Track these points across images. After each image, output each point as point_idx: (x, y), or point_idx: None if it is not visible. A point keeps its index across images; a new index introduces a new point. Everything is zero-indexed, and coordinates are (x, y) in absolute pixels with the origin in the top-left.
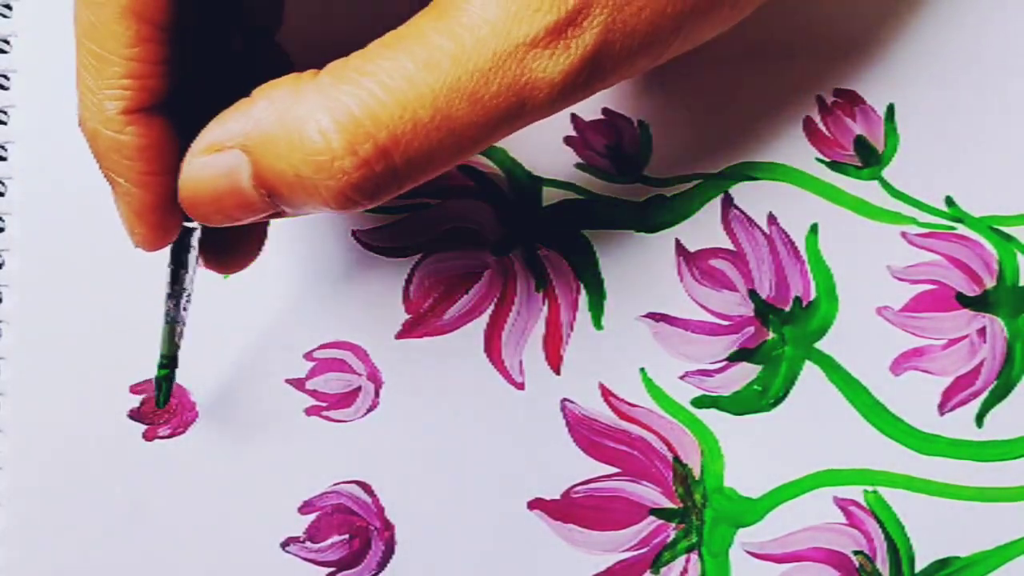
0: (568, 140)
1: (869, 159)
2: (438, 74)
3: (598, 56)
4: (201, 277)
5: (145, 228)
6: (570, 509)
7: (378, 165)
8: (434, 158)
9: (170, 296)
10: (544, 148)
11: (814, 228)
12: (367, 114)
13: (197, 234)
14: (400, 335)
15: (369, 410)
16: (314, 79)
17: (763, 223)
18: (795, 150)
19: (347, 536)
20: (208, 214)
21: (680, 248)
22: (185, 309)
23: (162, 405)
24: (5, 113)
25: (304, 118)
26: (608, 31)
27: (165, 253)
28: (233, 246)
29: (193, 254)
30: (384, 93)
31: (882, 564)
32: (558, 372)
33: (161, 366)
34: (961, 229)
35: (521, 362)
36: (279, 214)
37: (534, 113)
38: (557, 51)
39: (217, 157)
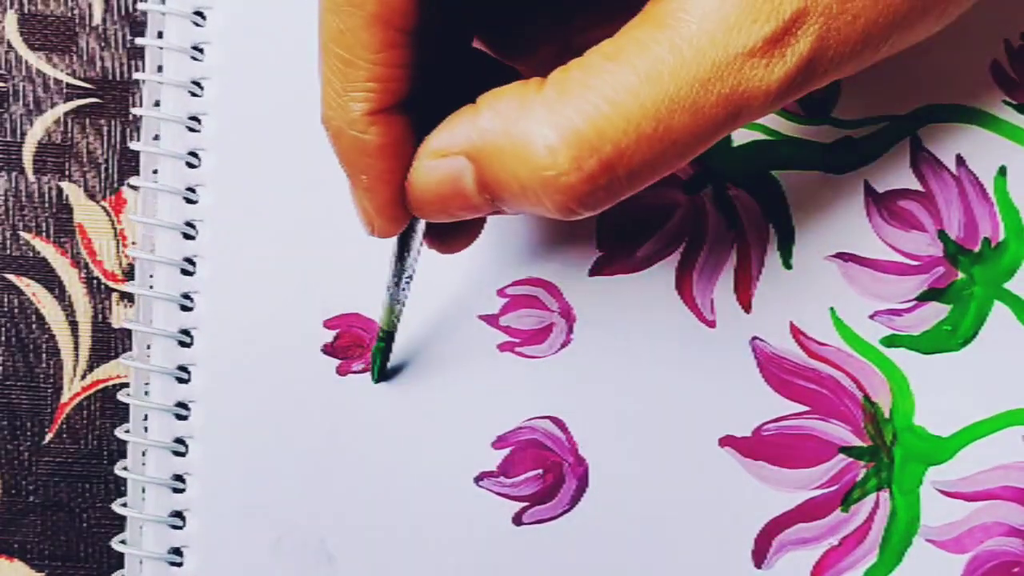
0: None
1: None
2: (660, 87)
3: (812, 64)
4: None
5: (382, 220)
6: (760, 446)
7: (602, 179)
8: (654, 168)
9: (394, 276)
10: None
11: (1002, 170)
12: (593, 129)
13: (423, 222)
14: (593, 272)
15: (562, 346)
16: (539, 92)
17: (951, 165)
18: (982, 93)
19: (540, 471)
20: (433, 213)
21: (869, 189)
22: (406, 289)
23: (376, 378)
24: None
25: (531, 132)
26: (822, 39)
27: None
28: (456, 229)
29: (418, 239)
30: (609, 107)
31: None
32: (748, 311)
33: (379, 339)
34: None
35: (712, 300)
36: (499, 212)
37: (748, 118)
38: (773, 60)
39: (443, 162)
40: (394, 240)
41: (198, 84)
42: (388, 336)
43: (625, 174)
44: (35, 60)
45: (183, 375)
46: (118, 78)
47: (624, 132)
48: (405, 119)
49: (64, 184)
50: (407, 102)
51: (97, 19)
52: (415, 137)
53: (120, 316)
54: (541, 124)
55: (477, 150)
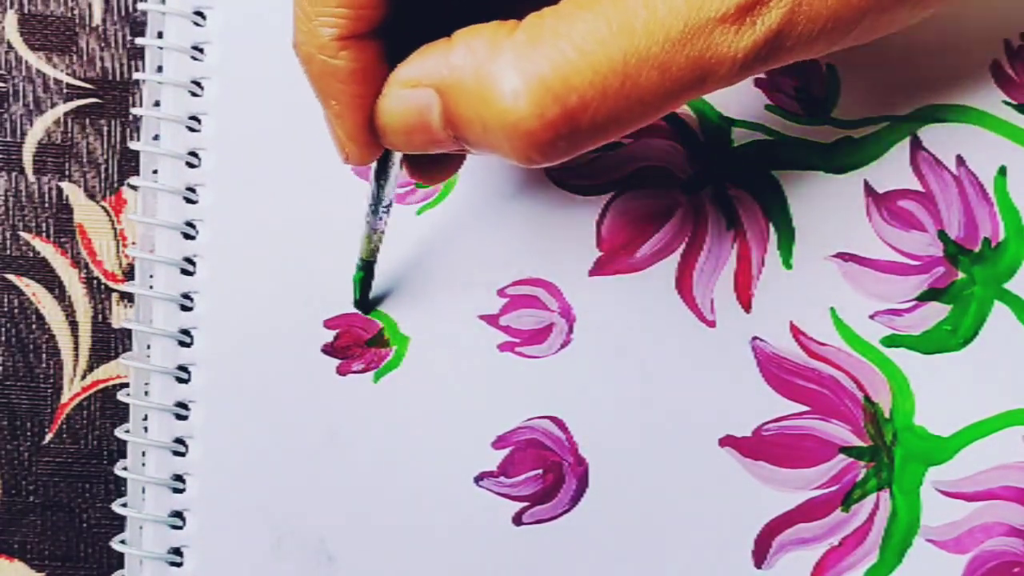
0: (758, 82)
1: None
2: (631, 40)
3: (779, 37)
4: (396, 214)
5: (354, 146)
6: (761, 446)
7: (564, 129)
8: (618, 123)
9: (371, 204)
10: (735, 90)
11: (1002, 170)
12: (559, 78)
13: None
14: (593, 272)
15: (562, 346)
16: (511, 35)
17: (951, 165)
18: (983, 93)
19: (540, 471)
20: (399, 143)
21: (869, 189)
22: (383, 219)
23: (357, 304)
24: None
25: (498, 75)
26: (793, 13)
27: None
28: (433, 160)
29: (395, 169)
30: (577, 56)
31: None
32: (748, 310)
33: (359, 268)
34: None
35: (712, 300)
36: (463, 150)
37: (711, 86)
38: (743, 28)
39: (412, 92)
40: (372, 168)
41: (198, 84)
42: (367, 265)
43: (588, 126)
44: (35, 60)
45: (183, 375)
46: (118, 78)
47: (591, 83)
48: (377, 45)
49: (64, 184)
50: (380, 29)
51: (97, 19)
52: (387, 65)
53: (120, 316)
54: (508, 68)
55: (446, 85)
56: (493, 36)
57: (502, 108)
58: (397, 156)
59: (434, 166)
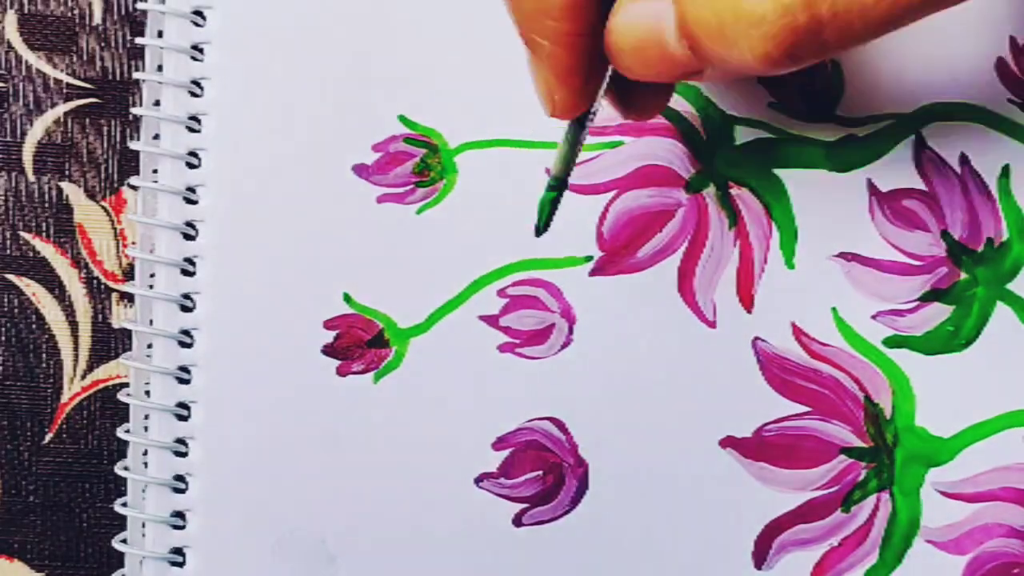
0: (762, 79)
1: None
2: None
3: None
4: (395, 214)
5: (564, 91)
6: (761, 447)
7: (806, 27)
8: (861, 26)
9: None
10: (737, 87)
11: (1006, 170)
12: None
13: (608, 74)
14: (593, 272)
15: (562, 347)
16: None
17: (955, 164)
18: (987, 91)
19: (540, 472)
20: (632, 64)
21: (872, 188)
22: (587, 128)
23: (540, 230)
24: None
25: None
26: None
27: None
28: (642, 90)
29: (601, 88)
30: None
31: None
32: (750, 311)
33: (549, 188)
34: None
35: (713, 300)
36: (697, 76)
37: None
38: None
39: (646, 4)
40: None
41: (198, 84)
42: (561, 184)
43: (831, 27)
44: (35, 60)
45: (184, 375)
46: (118, 78)
47: None
48: None
49: (64, 184)
50: None
51: (97, 19)
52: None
53: (120, 316)
54: None
55: None
56: None
57: (746, 7)
58: (604, 82)
59: (642, 97)
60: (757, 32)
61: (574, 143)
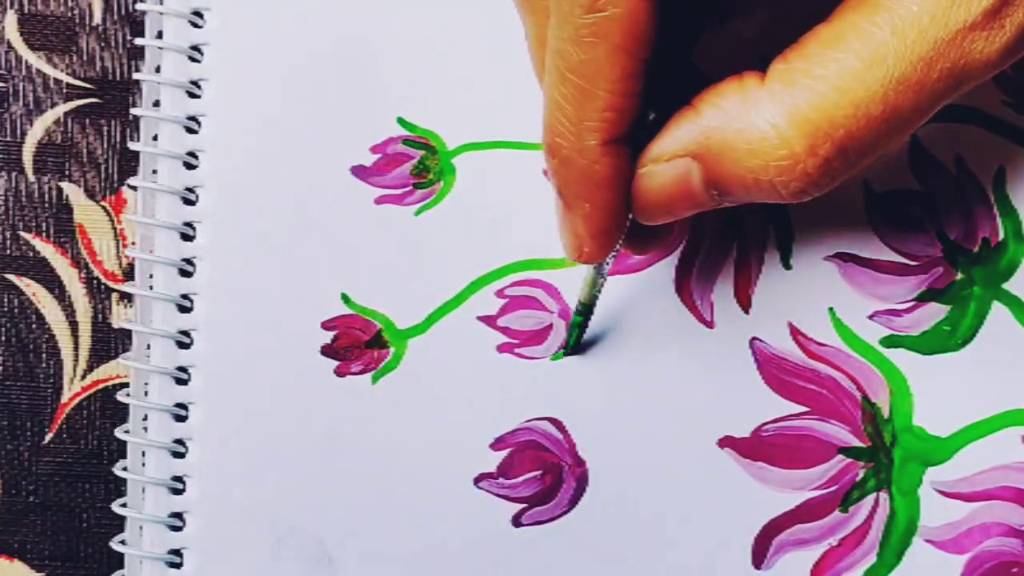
0: None
1: None
2: (885, 70)
3: None
4: (394, 215)
5: (595, 247)
6: (759, 447)
7: (836, 161)
8: (882, 145)
9: None
10: None
11: (1001, 171)
12: (824, 117)
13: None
14: None
15: (561, 347)
16: (763, 86)
17: (950, 166)
18: (982, 94)
19: (539, 472)
20: (659, 216)
21: (868, 189)
22: (609, 262)
23: (570, 351)
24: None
25: (760, 123)
26: None
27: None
28: (652, 232)
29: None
30: (837, 95)
31: None
32: (747, 311)
33: (578, 312)
34: None
35: (711, 301)
36: (720, 205)
37: (968, 87)
38: (993, 32)
39: (668, 166)
40: None
41: (197, 85)
42: (587, 309)
43: (855, 155)
44: (35, 60)
45: (182, 376)
46: (118, 78)
47: (854, 117)
48: (629, 149)
49: (64, 184)
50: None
51: (97, 19)
52: (633, 168)
53: (120, 316)
54: (771, 115)
55: (704, 148)
56: (741, 91)
57: (773, 155)
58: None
59: (653, 238)
60: (793, 175)
61: (598, 274)
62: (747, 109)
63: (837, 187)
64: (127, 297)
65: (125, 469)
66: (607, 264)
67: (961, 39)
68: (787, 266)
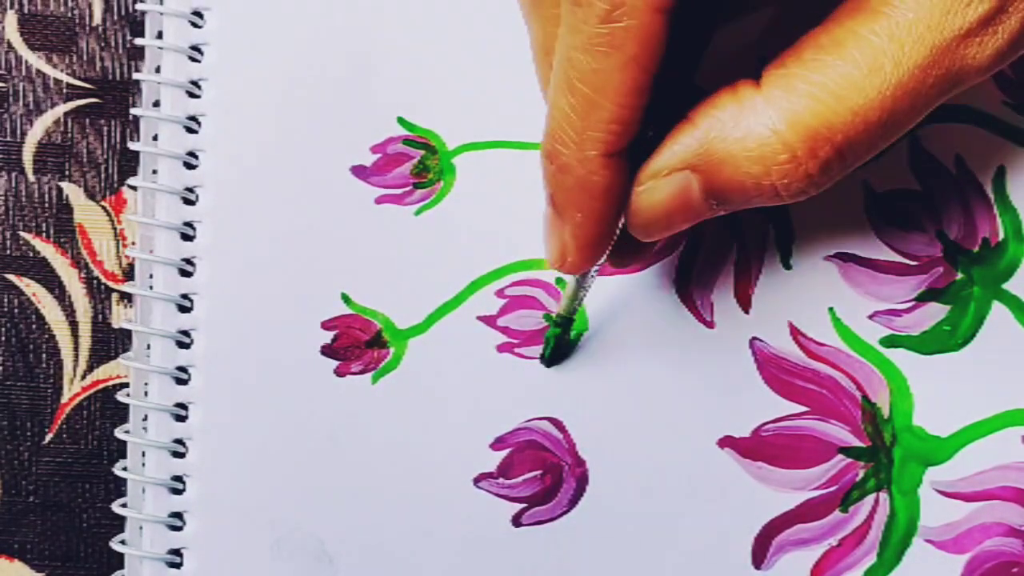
0: None
1: None
2: (882, 77)
3: (1022, 35)
4: (394, 215)
5: (579, 257)
6: (759, 447)
7: (835, 163)
8: (876, 146)
9: None
10: None
11: (1001, 171)
12: (823, 123)
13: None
14: None
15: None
16: (760, 92)
17: (950, 165)
18: (982, 94)
19: (539, 472)
20: (658, 231)
21: (867, 190)
22: (593, 275)
23: (546, 362)
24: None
25: (762, 132)
26: None
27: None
28: (636, 247)
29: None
30: (836, 102)
31: None
32: (748, 311)
33: (555, 324)
34: None
35: (711, 301)
36: (716, 214)
37: (959, 90)
38: (987, 38)
39: (667, 180)
40: None
41: (197, 85)
42: (565, 322)
43: (852, 157)
44: (35, 60)
45: (182, 376)
46: (118, 78)
47: (852, 123)
48: (627, 163)
49: (64, 184)
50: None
51: (97, 19)
52: (629, 182)
53: (120, 316)
54: (771, 120)
55: (703, 159)
56: (737, 100)
57: (775, 159)
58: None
59: (636, 253)
60: (795, 179)
61: (579, 288)
62: (744, 116)
63: (837, 187)
64: (127, 297)
65: (125, 469)
66: (592, 277)
67: (956, 46)
68: (787, 266)
